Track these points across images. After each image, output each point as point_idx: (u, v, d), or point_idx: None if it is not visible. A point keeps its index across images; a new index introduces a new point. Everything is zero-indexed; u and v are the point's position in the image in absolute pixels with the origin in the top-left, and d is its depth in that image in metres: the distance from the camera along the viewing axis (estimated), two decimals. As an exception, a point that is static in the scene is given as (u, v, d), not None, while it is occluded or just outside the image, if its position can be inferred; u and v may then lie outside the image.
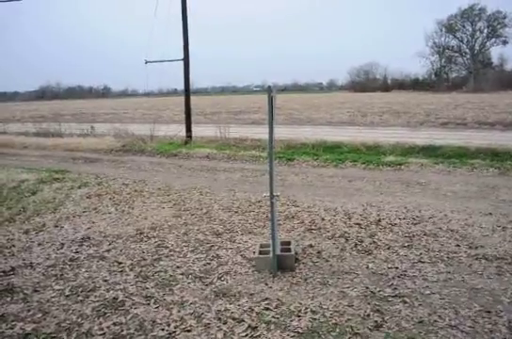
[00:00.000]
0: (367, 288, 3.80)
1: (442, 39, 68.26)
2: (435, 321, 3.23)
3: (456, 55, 68.76)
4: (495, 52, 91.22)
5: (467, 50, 67.22)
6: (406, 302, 3.52)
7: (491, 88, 47.13)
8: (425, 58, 69.92)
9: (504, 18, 64.14)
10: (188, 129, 14.95)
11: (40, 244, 5.47)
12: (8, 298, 4.01)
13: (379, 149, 11.54)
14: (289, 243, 4.68)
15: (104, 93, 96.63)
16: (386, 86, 67.82)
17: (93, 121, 23.31)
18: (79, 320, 3.56)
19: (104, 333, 3.35)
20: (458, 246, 4.77)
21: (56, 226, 6.18)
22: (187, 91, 15.26)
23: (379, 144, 11.89)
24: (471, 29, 66.09)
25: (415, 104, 26.77)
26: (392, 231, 5.35)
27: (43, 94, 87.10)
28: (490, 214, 5.94)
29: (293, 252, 4.45)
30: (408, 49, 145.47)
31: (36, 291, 4.15)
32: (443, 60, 69.09)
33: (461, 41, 67.62)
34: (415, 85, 64.05)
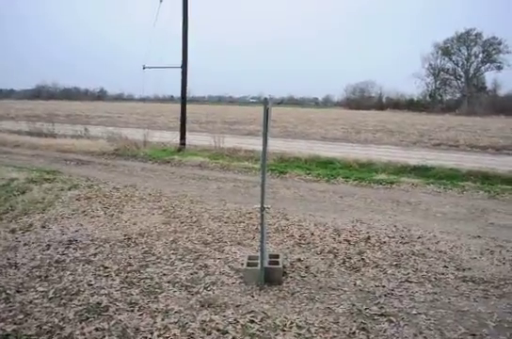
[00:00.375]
0: (353, 305, 3.79)
1: (438, 61, 69.30)
2: (420, 342, 3.22)
3: (451, 77, 69.75)
4: (489, 77, 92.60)
5: (462, 73, 68.26)
6: (392, 321, 3.51)
7: (484, 111, 47.73)
8: (421, 79, 70.76)
9: (500, 44, 65.34)
10: (182, 136, 14.95)
11: (25, 244, 5.40)
12: (-10, 299, 3.95)
13: (372, 166, 11.59)
14: (277, 256, 4.66)
15: (100, 96, 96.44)
16: (381, 104, 68.41)
17: (87, 123, 23.23)
18: (61, 324, 3.51)
19: (86, 338, 3.30)
20: (446, 267, 4.78)
21: (44, 227, 6.11)
22: (184, 99, 15.30)
23: (372, 162, 11.95)
24: (466, 53, 67.22)
25: (409, 124, 27.03)
26: (381, 249, 5.35)
27: (39, 93, 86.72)
28: (479, 236, 5.97)
29: (281, 266, 4.43)
30: (405, 69, 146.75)
31: (19, 292, 4.09)
32: (438, 82, 70.05)
33: (456, 65, 68.70)
34: (410, 105, 64.69)
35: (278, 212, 6.86)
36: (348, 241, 5.61)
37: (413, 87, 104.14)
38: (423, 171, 11.02)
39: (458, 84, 69.18)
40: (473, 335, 3.33)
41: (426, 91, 70.55)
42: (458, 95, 68.36)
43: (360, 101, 71.22)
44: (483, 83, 68.23)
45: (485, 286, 4.27)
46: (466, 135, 20.37)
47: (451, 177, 10.37)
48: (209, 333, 3.36)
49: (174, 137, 15.00)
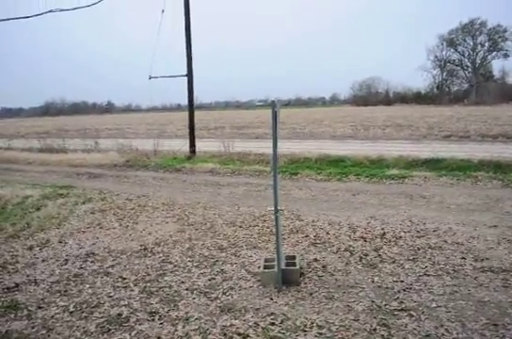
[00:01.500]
0: (373, 302, 3.78)
1: (444, 52, 68.74)
2: (442, 335, 3.20)
3: (458, 68, 69.15)
4: (496, 65, 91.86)
5: (468, 63, 67.63)
6: (412, 316, 3.50)
7: (493, 100, 47.23)
8: (427, 72, 70.25)
9: (505, 31, 64.66)
10: (192, 144, 15.01)
11: (44, 260, 5.47)
12: (12, 315, 4.01)
13: (383, 162, 11.52)
14: (294, 257, 4.66)
15: (108, 109, 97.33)
16: (388, 99, 68.11)
17: (97, 136, 23.43)
18: (83, 337, 3.55)
19: (109, 350, 3.33)
20: (464, 258, 4.74)
21: (61, 242, 6.19)
22: (191, 106, 15.37)
23: (383, 157, 11.88)
24: (472, 43, 66.61)
25: (418, 118, 26.83)
26: (397, 244, 5.33)
27: (48, 110, 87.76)
28: (495, 226, 5.91)
29: (298, 267, 4.43)
30: (410, 63, 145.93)
31: (40, 307, 4.15)
32: (445, 74, 69.47)
33: (462, 55, 68.09)
34: (417, 98, 64.28)
35: (291, 213, 6.86)
36: (364, 238, 5.59)
37: (420, 80, 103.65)
38: (434, 164, 10.93)
39: (465, 74, 68.59)
40: (495, 325, 3.29)
41: (433, 84, 70.07)
42: (466, 85, 67.78)
43: (367, 97, 70.93)
44: (490, 72, 67.62)
45: (504, 275, 4.23)
46: (476, 125, 20.16)
47: (463, 168, 10.27)
48: (230, 338, 3.38)
49: (183, 145, 15.07)
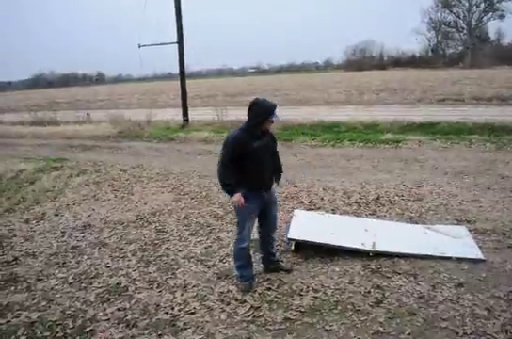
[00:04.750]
0: (368, 265, 3.83)
1: (439, 14, 67.06)
2: (435, 296, 3.26)
3: (453, 30, 67.63)
4: (492, 27, 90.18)
5: (463, 25, 66.14)
6: (407, 278, 3.55)
7: (488, 63, 46.56)
8: (422, 35, 68.93)
9: (501, -9, 62.98)
10: (185, 113, 14.86)
11: (41, 233, 5.50)
12: (12, 288, 4.06)
13: (377, 127, 11.48)
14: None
15: (98, 79, 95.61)
16: (382, 64, 67.02)
17: (89, 107, 23.13)
18: (83, 307, 3.60)
19: (109, 319, 3.39)
20: (458, 220, 4.80)
21: (57, 215, 6.20)
22: (183, 74, 15.11)
23: (377, 122, 11.83)
24: (467, 4, 64.84)
25: (412, 82, 26.52)
26: (391, 208, 5.37)
27: (37, 83, 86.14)
28: (489, 188, 5.95)
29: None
30: (405, 26, 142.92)
31: (39, 280, 4.19)
32: (440, 36, 68.07)
33: (458, 17, 66.48)
34: (412, 62, 63.25)
35: (286, 180, 6.83)
36: (358, 203, 5.63)
37: (414, 43, 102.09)
38: (428, 128, 10.90)
39: (461, 36, 67.17)
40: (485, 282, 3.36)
41: (428, 47, 68.76)
42: (461, 48, 66.52)
43: (360, 62, 69.76)
44: (486, 33, 66.27)
45: (496, 237, 4.29)
46: (470, 88, 19.94)
47: (457, 131, 10.26)
48: (228, 304, 3.44)
49: (176, 114, 14.92)
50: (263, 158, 3.49)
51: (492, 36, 65.87)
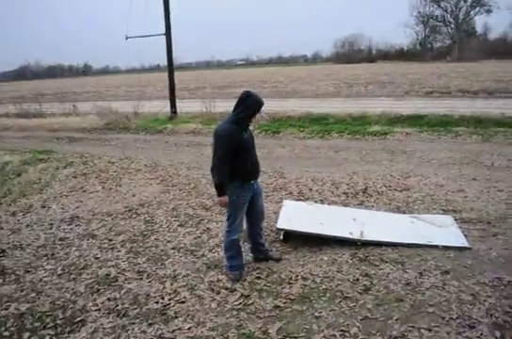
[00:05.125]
0: (355, 254, 3.87)
1: (427, 8, 67.20)
2: (422, 282, 3.31)
3: (441, 24, 67.78)
4: (479, 21, 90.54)
5: (451, 19, 66.31)
6: (394, 266, 3.60)
7: (475, 56, 46.81)
8: (410, 28, 69.09)
9: (488, -14, 63.16)
10: (173, 105, 14.76)
11: (28, 225, 5.46)
12: (1, 280, 4.04)
13: (365, 119, 11.53)
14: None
15: (85, 71, 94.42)
16: (371, 57, 67.02)
17: (75, 99, 22.88)
18: (73, 298, 3.60)
19: (99, 309, 3.40)
20: (444, 210, 4.86)
21: (44, 207, 6.16)
22: (171, 66, 14.98)
23: (365, 115, 11.87)
24: (455, -2, 65.18)
25: (400, 75, 26.60)
26: (379, 198, 5.42)
27: (22, 74, 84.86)
28: (474, 179, 6.04)
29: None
30: (393, 19, 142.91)
31: (28, 272, 4.17)
32: (428, 30, 68.20)
33: (445, 11, 66.63)
34: (400, 55, 63.35)
35: (274, 171, 6.88)
36: (346, 194, 5.68)
37: (403, 36, 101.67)
38: (416, 120, 10.97)
39: (448, 30, 67.37)
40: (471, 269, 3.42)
41: (416, 40, 68.91)
42: (449, 42, 66.83)
43: (349, 55, 69.71)
44: (473, 28, 66.49)
45: (481, 226, 4.36)
46: (457, 81, 20.07)
47: (444, 124, 10.35)
48: (218, 293, 3.46)
49: (164, 106, 14.82)
50: (251, 148, 3.54)
51: (479, 30, 66.20)
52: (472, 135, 9.12)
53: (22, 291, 3.80)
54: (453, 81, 20.17)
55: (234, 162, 3.42)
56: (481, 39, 63.09)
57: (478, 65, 33.50)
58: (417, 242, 3.95)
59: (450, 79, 21.38)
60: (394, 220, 4.53)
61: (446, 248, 3.83)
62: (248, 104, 3.42)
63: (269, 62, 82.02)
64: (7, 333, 3.17)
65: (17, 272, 4.18)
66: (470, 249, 3.80)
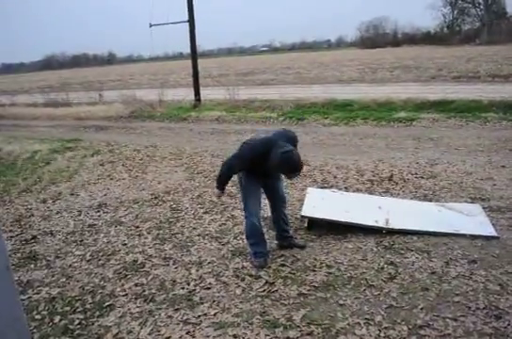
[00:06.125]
0: (381, 242, 3.85)
1: (454, -11, 65.26)
2: (448, 272, 3.28)
3: (470, 5, 65.72)
4: (510, 1, 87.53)
5: (480, 0, 64.33)
6: (420, 254, 3.57)
7: (505, 39, 45.36)
8: (437, 11, 67.21)
9: (521, -37, 60.80)
10: (197, 92, 14.82)
11: (58, 212, 5.60)
12: (32, 265, 4.16)
13: (390, 105, 11.35)
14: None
15: (110, 60, 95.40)
16: (396, 40, 65.60)
17: (100, 88, 23.13)
18: (102, 283, 3.69)
19: (127, 294, 3.47)
20: (472, 198, 4.78)
21: (72, 194, 6.30)
22: (194, 54, 14.98)
23: (390, 100, 11.68)
24: (484, -22, 62.96)
25: (427, 59, 26.01)
26: (405, 186, 5.36)
27: (49, 64, 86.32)
28: (503, 167, 5.90)
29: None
30: (419, 1, 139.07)
31: (58, 257, 4.29)
32: (456, 12, 66.17)
33: (474, -9, 64.65)
34: (426, 39, 61.79)
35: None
36: (371, 181, 5.63)
37: (429, 19, 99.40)
38: (443, 106, 10.74)
39: (477, 12, 65.28)
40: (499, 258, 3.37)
41: (443, 23, 66.90)
42: (478, 24, 64.77)
43: (374, 39, 68.37)
44: (503, 8, 64.24)
45: (510, 215, 4.27)
46: (487, 65, 19.51)
47: (472, 109, 10.09)
48: (243, 279, 3.49)
49: (188, 94, 14.88)
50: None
51: (510, 11, 63.90)
52: (501, 121, 8.89)
53: (52, 276, 3.91)
54: (482, 65, 19.62)
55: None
56: (511, 20, 60.97)
57: (509, 48, 32.42)
58: (443, 231, 3.91)
59: (479, 63, 20.80)
60: (420, 209, 4.48)
61: (473, 237, 3.77)
62: (281, 164, 3.23)
63: (292, 48, 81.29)
64: (38, 317, 3.28)
65: (48, 258, 4.30)
66: (498, 238, 3.73)
